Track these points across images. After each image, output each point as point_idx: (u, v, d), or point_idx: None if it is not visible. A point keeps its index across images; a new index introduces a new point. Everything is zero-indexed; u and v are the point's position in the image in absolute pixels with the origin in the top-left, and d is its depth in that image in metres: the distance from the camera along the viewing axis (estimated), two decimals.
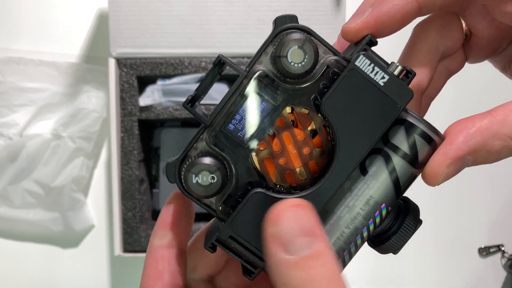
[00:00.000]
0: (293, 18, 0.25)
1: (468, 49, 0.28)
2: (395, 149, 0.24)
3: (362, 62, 0.23)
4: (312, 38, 0.24)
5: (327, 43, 0.25)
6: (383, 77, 0.24)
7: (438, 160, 0.23)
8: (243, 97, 0.25)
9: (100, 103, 0.74)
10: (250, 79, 0.24)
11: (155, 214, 0.72)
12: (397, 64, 0.24)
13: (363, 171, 0.25)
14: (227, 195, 0.25)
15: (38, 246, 0.76)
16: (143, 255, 0.67)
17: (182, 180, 0.24)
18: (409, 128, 0.24)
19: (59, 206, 0.73)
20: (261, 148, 0.25)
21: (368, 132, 0.24)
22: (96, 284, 0.76)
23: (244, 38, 0.65)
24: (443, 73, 0.29)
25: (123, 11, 0.65)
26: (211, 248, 0.25)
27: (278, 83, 0.24)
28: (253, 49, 0.64)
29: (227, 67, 0.26)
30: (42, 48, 0.76)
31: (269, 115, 0.25)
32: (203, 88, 0.25)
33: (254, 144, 0.25)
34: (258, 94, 0.24)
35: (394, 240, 0.25)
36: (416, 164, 0.25)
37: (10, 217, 0.74)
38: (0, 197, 0.73)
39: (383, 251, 0.26)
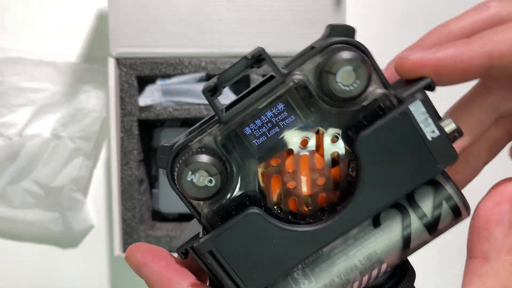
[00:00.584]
0: (351, 31, 0.22)
1: None
2: (417, 209, 0.22)
3: (417, 109, 0.21)
4: (368, 61, 0.21)
5: (380, 70, 0.22)
6: (433, 131, 0.21)
7: (490, 210, 0.20)
8: (272, 103, 0.21)
9: (100, 103, 0.74)
10: (287, 86, 0.21)
11: (154, 214, 0.71)
12: (451, 120, 0.21)
13: (376, 222, 0.22)
14: (219, 203, 0.22)
15: (37, 246, 0.76)
16: None
17: (175, 172, 0.22)
18: (440, 193, 0.22)
19: (59, 206, 0.73)
20: (272, 164, 0.22)
21: (396, 184, 0.21)
22: (95, 284, 0.76)
23: (244, 38, 0.65)
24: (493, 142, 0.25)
25: (122, 10, 0.65)
26: (183, 254, 0.23)
27: (315, 100, 0.21)
28: (253, 48, 0.64)
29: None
30: (42, 48, 0.76)
31: (293, 131, 0.22)
32: (228, 77, 0.22)
33: (266, 156, 0.22)
34: (290, 105, 0.21)
35: None
36: (433, 232, 0.22)
37: (9, 217, 0.73)
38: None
39: None
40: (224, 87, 0.23)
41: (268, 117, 0.22)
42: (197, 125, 0.23)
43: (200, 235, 0.22)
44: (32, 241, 0.76)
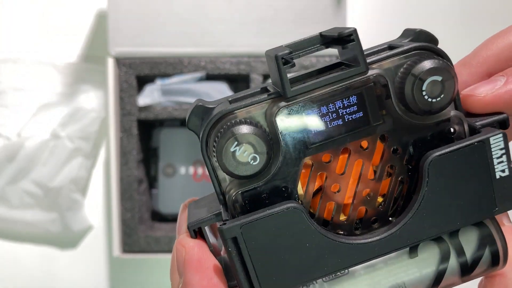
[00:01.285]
0: (434, 41, 0.21)
1: None
2: (458, 249, 0.20)
3: (496, 142, 0.19)
4: (456, 76, 0.19)
5: (458, 93, 0.21)
6: (503, 171, 0.19)
7: None
8: (345, 93, 0.19)
9: (99, 103, 0.74)
10: (365, 78, 0.19)
11: (154, 214, 0.71)
12: None
13: (413, 252, 0.20)
14: (252, 186, 0.20)
15: (36, 247, 0.76)
16: (142, 256, 0.66)
17: (216, 139, 0.19)
18: (486, 238, 0.20)
19: (58, 207, 0.73)
20: (322, 159, 0.20)
21: (452, 217, 0.20)
22: (94, 285, 0.76)
23: (244, 38, 0.64)
24: None
25: (122, 10, 0.64)
26: (194, 232, 0.20)
27: (391, 102, 0.20)
28: (253, 49, 0.64)
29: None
30: (41, 48, 0.75)
31: (356, 130, 0.20)
32: (301, 47, 0.19)
33: (319, 149, 0.20)
34: (363, 99, 0.19)
35: None
36: (466, 275, 0.21)
37: (8, 217, 0.73)
38: None
39: None
40: (293, 58, 0.20)
41: (337, 106, 0.19)
42: (241, 93, 0.21)
43: (224, 216, 0.20)
44: (31, 241, 0.76)
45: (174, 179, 0.69)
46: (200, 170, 0.69)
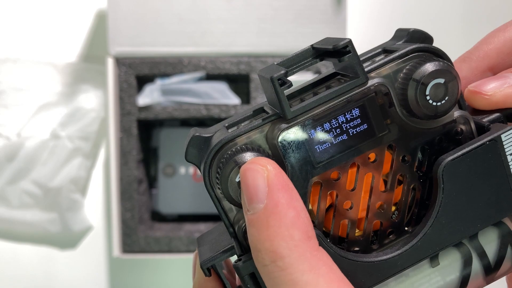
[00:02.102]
0: (429, 40, 0.20)
1: None
2: (480, 251, 0.20)
3: (508, 138, 0.19)
4: (458, 76, 0.19)
5: (462, 93, 0.20)
6: None
7: None
8: (346, 106, 0.19)
9: (99, 102, 0.74)
10: (366, 89, 0.19)
11: (154, 215, 0.71)
12: None
13: (434, 261, 0.19)
14: None
15: (35, 247, 0.76)
16: (141, 256, 0.66)
17: (219, 170, 0.18)
18: (507, 236, 0.20)
19: (57, 207, 0.72)
20: (331, 177, 0.19)
21: (471, 220, 0.19)
22: (94, 285, 0.76)
23: (244, 37, 0.64)
24: None
25: (121, 9, 0.64)
26: (207, 271, 0.19)
27: (395, 110, 0.19)
28: (253, 48, 0.63)
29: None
30: (40, 48, 0.75)
31: (363, 142, 0.19)
32: (295, 64, 0.19)
33: (326, 167, 0.19)
34: (365, 111, 0.19)
35: None
36: (490, 277, 0.20)
37: (7, 217, 0.73)
38: None
39: None
40: (289, 76, 0.19)
41: (340, 121, 0.19)
42: (237, 117, 0.20)
43: (237, 250, 0.19)
44: (30, 241, 0.76)
45: (174, 179, 0.69)
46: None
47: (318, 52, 0.19)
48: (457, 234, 0.19)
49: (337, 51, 0.18)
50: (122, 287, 0.76)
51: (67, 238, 0.75)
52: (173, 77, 0.66)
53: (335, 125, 0.19)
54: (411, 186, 0.20)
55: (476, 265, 0.20)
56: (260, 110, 0.20)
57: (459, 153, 0.19)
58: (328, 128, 0.19)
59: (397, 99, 0.19)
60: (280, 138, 0.19)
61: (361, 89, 0.19)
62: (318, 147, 0.19)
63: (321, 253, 0.17)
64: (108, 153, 0.73)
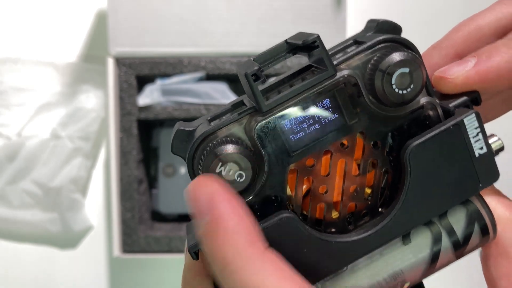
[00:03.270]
0: (398, 29, 0.21)
1: None
2: (449, 230, 0.21)
3: (470, 122, 0.20)
4: (423, 64, 0.20)
5: (429, 80, 0.21)
6: (481, 148, 0.20)
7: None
8: (318, 98, 0.20)
9: (99, 102, 0.74)
10: (335, 81, 0.20)
11: (154, 214, 0.71)
12: (498, 138, 0.21)
13: (406, 240, 0.20)
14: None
15: (36, 247, 0.76)
16: (142, 256, 0.66)
17: (201, 161, 0.19)
18: (474, 214, 0.21)
19: (58, 207, 0.73)
20: (306, 164, 0.20)
21: (439, 200, 0.20)
22: (94, 285, 0.76)
23: (244, 38, 0.64)
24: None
25: (122, 10, 0.64)
26: (195, 254, 0.20)
27: (364, 99, 0.20)
28: (253, 48, 0.64)
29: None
30: (41, 48, 0.75)
31: (334, 131, 0.20)
32: (268, 59, 0.20)
33: (301, 155, 0.20)
34: (336, 101, 0.20)
35: None
36: (460, 252, 0.21)
37: (8, 217, 0.73)
38: None
39: None
40: (263, 71, 0.20)
41: (312, 112, 0.20)
42: (219, 110, 0.22)
43: None
44: (31, 241, 0.76)
45: (174, 179, 0.69)
46: None
47: (291, 47, 0.20)
48: (426, 214, 0.20)
49: (307, 46, 0.19)
50: (122, 287, 0.76)
51: (67, 238, 0.75)
52: (173, 77, 0.66)
53: (308, 116, 0.20)
54: (383, 170, 0.21)
55: (445, 242, 0.21)
56: (240, 103, 0.21)
57: (424, 138, 0.20)
58: (301, 119, 0.20)
59: (366, 89, 0.20)
60: (256, 130, 0.20)
61: (330, 81, 0.20)
62: (293, 137, 0.20)
63: (268, 255, 0.18)
64: (108, 153, 0.73)
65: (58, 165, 0.72)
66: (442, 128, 0.20)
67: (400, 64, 0.19)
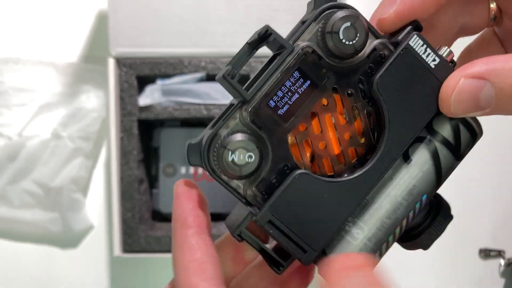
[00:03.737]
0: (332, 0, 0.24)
1: (503, 34, 0.27)
2: (439, 137, 0.24)
3: (415, 42, 0.23)
4: (361, 15, 0.23)
5: (372, 25, 0.24)
6: (434, 60, 0.23)
7: (454, 75, 0.22)
8: (287, 72, 0.23)
9: (100, 103, 0.74)
10: (296, 54, 0.23)
11: (154, 214, 0.71)
12: (447, 47, 0.24)
13: (407, 159, 0.24)
14: (260, 178, 0.23)
15: (36, 247, 0.76)
16: (142, 255, 0.66)
17: (215, 159, 0.22)
18: (453, 120, 0.24)
19: (58, 207, 0.73)
20: (300, 129, 0.24)
21: (416, 117, 0.23)
22: (95, 285, 0.76)
23: (244, 38, 0.64)
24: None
25: (122, 10, 0.64)
26: (239, 236, 0.23)
27: (325, 61, 0.23)
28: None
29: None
30: (41, 48, 0.75)
31: (312, 95, 0.23)
32: (239, 60, 0.23)
33: (293, 124, 0.23)
34: (303, 71, 0.23)
35: (426, 235, 0.25)
36: (458, 154, 0.24)
37: (8, 217, 0.73)
38: None
39: (412, 247, 0.25)
40: (238, 72, 0.23)
41: (287, 86, 0.23)
42: (216, 119, 0.25)
43: (253, 213, 0.23)
44: (31, 241, 0.76)
45: (175, 179, 0.69)
46: (200, 170, 0.69)
47: (252, 45, 0.23)
48: (414, 128, 0.23)
49: (262, 37, 0.23)
50: (122, 287, 0.76)
51: (68, 238, 0.76)
52: (173, 78, 0.66)
53: (286, 90, 0.23)
54: (365, 112, 0.24)
55: (440, 148, 0.24)
56: (230, 105, 0.24)
57: (383, 68, 0.23)
58: (281, 95, 0.23)
59: (323, 51, 0.23)
60: (248, 117, 0.23)
61: (292, 56, 0.23)
62: (281, 111, 0.23)
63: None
64: (109, 153, 0.74)
65: (59, 165, 0.72)
66: (395, 55, 0.23)
67: (342, 20, 0.22)
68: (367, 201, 0.23)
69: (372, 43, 0.23)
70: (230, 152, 0.22)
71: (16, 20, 0.76)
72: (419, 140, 0.24)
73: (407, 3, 0.24)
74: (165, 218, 0.71)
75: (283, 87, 0.23)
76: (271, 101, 0.23)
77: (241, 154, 0.22)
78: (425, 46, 0.23)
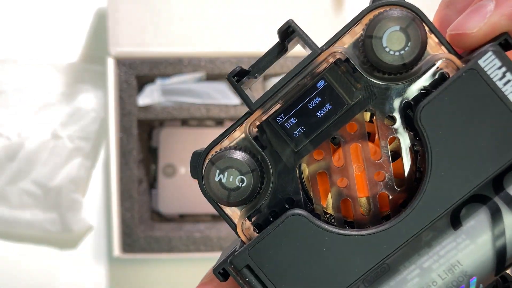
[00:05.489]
0: None
1: None
2: (508, 199, 0.17)
3: (489, 62, 0.16)
4: (419, 19, 0.17)
5: (440, 34, 0.18)
6: None
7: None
8: (307, 83, 0.18)
9: (99, 102, 0.74)
10: (324, 60, 0.17)
11: (154, 215, 0.71)
12: None
13: (455, 223, 0.17)
14: (255, 209, 0.18)
15: (35, 247, 0.76)
16: (141, 256, 0.66)
17: (203, 174, 0.18)
18: None
19: (57, 207, 0.73)
20: (316, 158, 0.18)
21: (476, 166, 0.16)
22: (94, 285, 0.76)
23: (244, 38, 0.64)
24: None
25: (122, 10, 0.64)
26: (220, 275, 0.18)
27: (361, 74, 0.17)
28: (253, 48, 0.64)
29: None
30: (41, 48, 0.75)
31: (338, 115, 0.18)
32: (261, 65, 0.18)
33: (308, 149, 0.18)
34: (330, 83, 0.17)
35: None
36: None
37: (7, 217, 0.73)
38: None
39: None
40: (255, 78, 0.19)
41: (306, 100, 0.17)
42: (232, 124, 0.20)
43: (237, 249, 0.18)
44: (30, 241, 0.76)
45: (174, 179, 0.69)
46: None
47: (278, 47, 0.18)
48: (470, 183, 0.16)
49: (284, 35, 0.18)
50: (122, 287, 0.76)
51: (67, 238, 0.75)
52: (173, 77, 0.66)
53: (303, 105, 0.17)
54: (409, 147, 0.18)
55: (508, 217, 0.16)
56: (246, 113, 0.20)
57: (435, 93, 0.16)
58: (298, 110, 0.17)
59: (360, 61, 0.17)
60: (251, 132, 0.18)
61: (318, 63, 0.17)
62: (292, 131, 0.18)
63: None
64: (108, 153, 0.73)
65: (58, 165, 0.72)
66: (455, 77, 0.16)
67: (387, 23, 0.17)
68: (388, 266, 0.17)
69: (435, 57, 0.18)
70: (217, 171, 0.17)
71: (15, 20, 0.76)
72: (479, 199, 0.17)
73: (504, 15, 0.17)
74: (165, 218, 0.71)
75: (299, 101, 0.17)
76: (280, 117, 0.18)
77: (231, 175, 0.17)
78: (504, 69, 0.16)
